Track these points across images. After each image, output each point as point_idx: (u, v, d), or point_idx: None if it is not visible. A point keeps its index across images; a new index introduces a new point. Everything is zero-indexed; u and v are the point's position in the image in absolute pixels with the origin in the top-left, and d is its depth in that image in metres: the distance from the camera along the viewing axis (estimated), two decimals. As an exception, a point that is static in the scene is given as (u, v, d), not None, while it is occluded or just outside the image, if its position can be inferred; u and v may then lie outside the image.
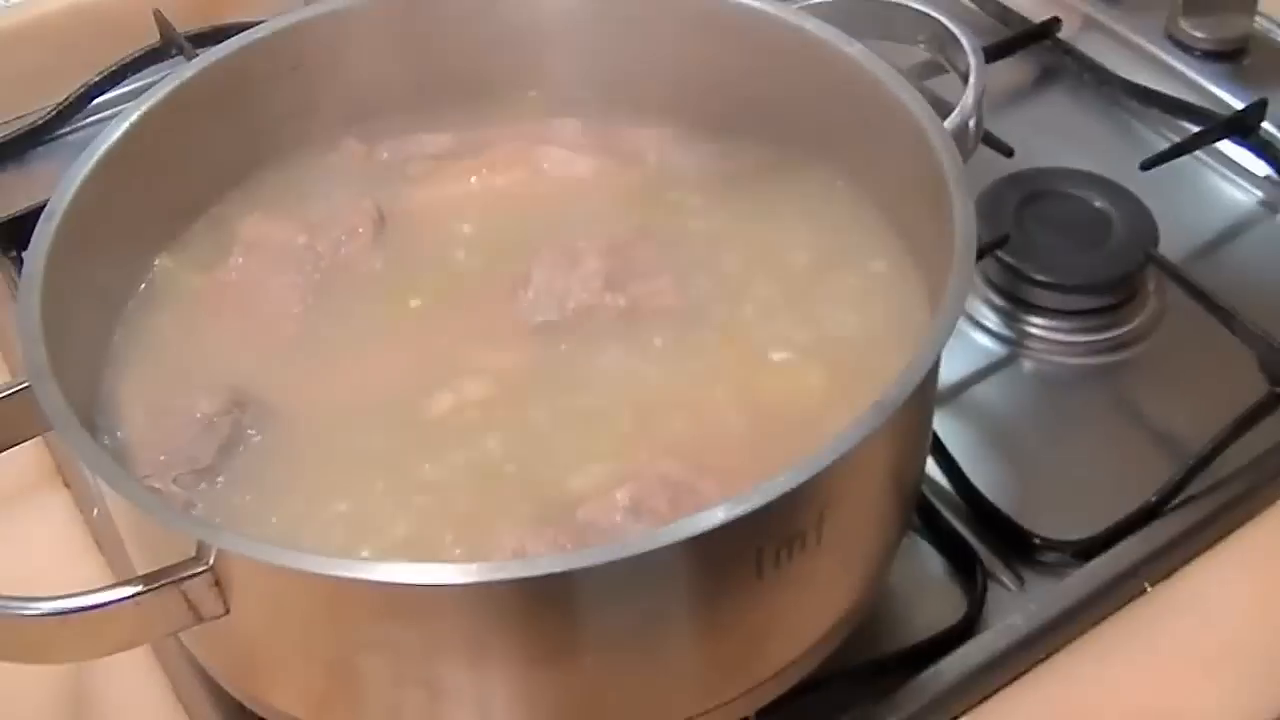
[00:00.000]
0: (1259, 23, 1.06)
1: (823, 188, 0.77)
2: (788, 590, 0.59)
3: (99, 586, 0.56)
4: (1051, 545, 0.75)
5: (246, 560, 0.54)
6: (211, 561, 0.55)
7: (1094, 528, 0.75)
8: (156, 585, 0.55)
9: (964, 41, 0.76)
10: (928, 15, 0.78)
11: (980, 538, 0.76)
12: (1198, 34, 1.04)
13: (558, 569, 0.53)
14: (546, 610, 0.55)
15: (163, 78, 0.75)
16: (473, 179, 0.79)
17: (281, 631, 0.59)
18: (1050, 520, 0.76)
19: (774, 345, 0.69)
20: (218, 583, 0.56)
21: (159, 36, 1.06)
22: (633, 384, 0.68)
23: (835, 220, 0.75)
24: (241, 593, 0.56)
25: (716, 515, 0.53)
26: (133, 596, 0.55)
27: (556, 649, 0.57)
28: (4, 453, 0.65)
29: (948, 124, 0.69)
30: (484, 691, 0.58)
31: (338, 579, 0.53)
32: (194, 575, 0.55)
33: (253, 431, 0.67)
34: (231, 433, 0.66)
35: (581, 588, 0.54)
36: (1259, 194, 0.97)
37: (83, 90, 1.05)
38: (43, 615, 0.55)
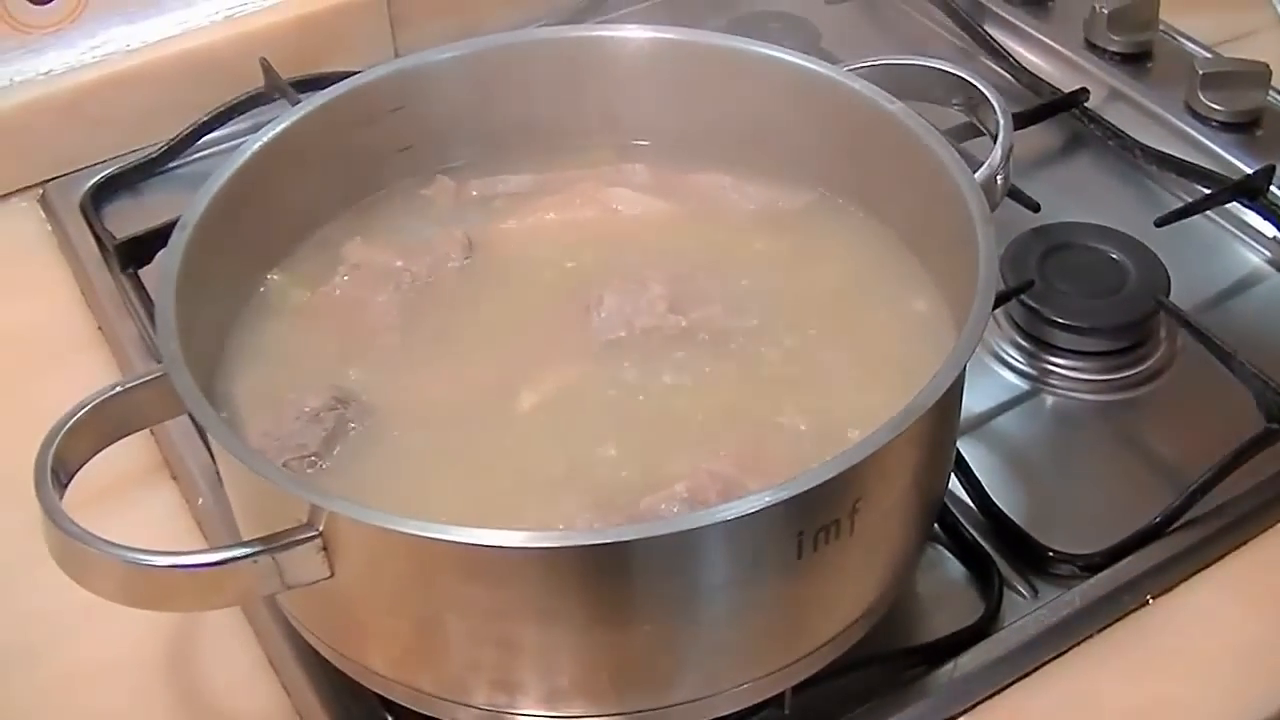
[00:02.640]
0: (1273, 97, 1.11)
1: (865, 231, 0.83)
2: (824, 573, 0.65)
3: (220, 546, 0.64)
4: (1063, 558, 0.80)
5: (354, 525, 0.61)
6: (321, 527, 0.62)
7: (1102, 544, 0.80)
8: (271, 547, 0.62)
9: (994, 103, 0.82)
10: (962, 79, 0.85)
11: (998, 550, 0.81)
12: (1215, 106, 1.09)
13: (625, 538, 0.60)
14: (611, 577, 0.62)
15: (279, 116, 0.82)
16: (551, 215, 0.85)
17: (378, 593, 0.65)
18: (1062, 536, 0.81)
19: (820, 368, 0.76)
20: (325, 548, 0.62)
21: (264, 82, 1.12)
22: (691, 395, 0.75)
23: (877, 261, 0.82)
24: (346, 557, 0.63)
25: (763, 498, 0.60)
26: (249, 556, 0.62)
27: (617, 613, 0.63)
28: (117, 446, 0.71)
29: (977, 176, 0.76)
30: (549, 649, 0.64)
31: (435, 541, 0.59)
32: (305, 540, 0.62)
33: (354, 425, 0.73)
34: (335, 426, 0.73)
35: (643, 559, 0.61)
36: (1265, 252, 1.02)
37: (192, 128, 1.10)
38: (167, 567, 0.63)
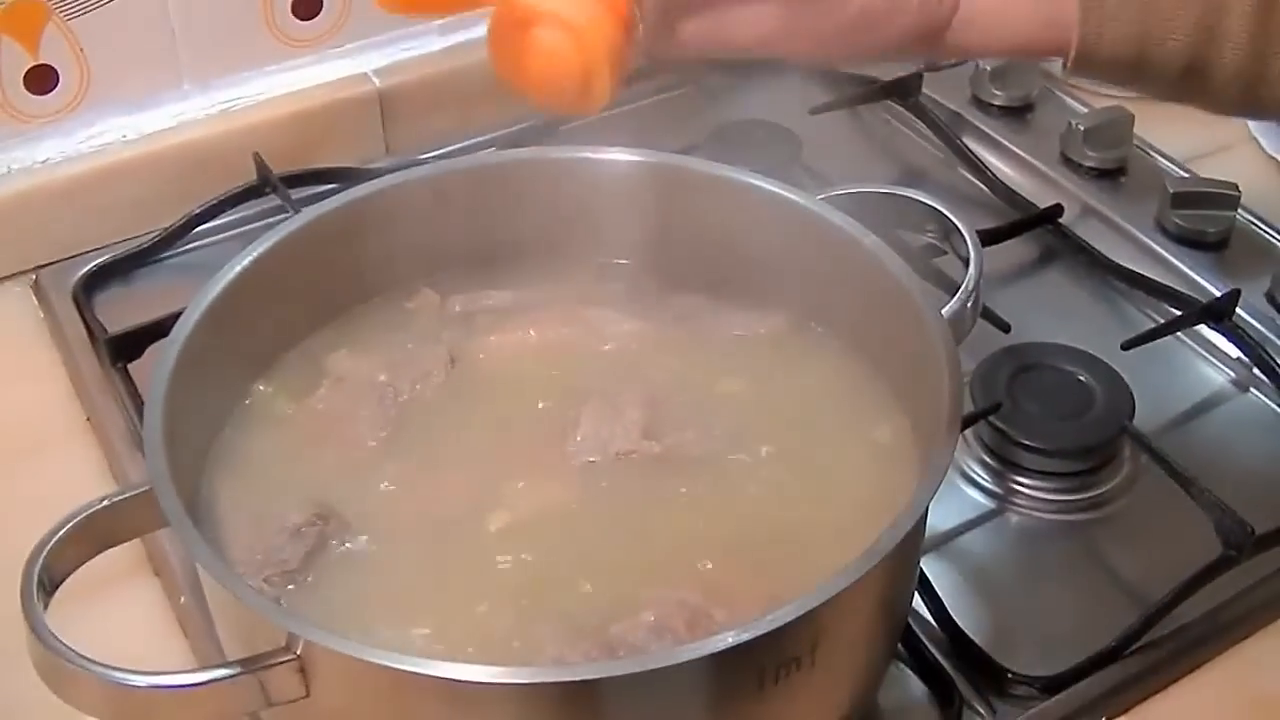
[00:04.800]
0: (1241, 216, 1.14)
1: (838, 357, 0.86)
2: (785, 704, 0.67)
3: (200, 667, 0.66)
4: (1022, 679, 0.82)
5: (329, 652, 0.63)
6: (299, 651, 0.64)
7: (1061, 665, 0.82)
8: (250, 669, 0.64)
9: (965, 234, 0.85)
10: (935, 209, 0.87)
11: (959, 670, 0.83)
12: (1185, 225, 1.12)
13: (592, 676, 0.63)
14: (579, 710, 0.64)
15: (267, 234, 0.83)
16: (532, 332, 0.87)
17: (353, 715, 0.67)
18: (1023, 657, 0.83)
19: (786, 496, 0.78)
20: (302, 669, 0.64)
21: (256, 176, 1.13)
22: (661, 520, 0.77)
23: (850, 388, 0.84)
24: (322, 679, 0.64)
25: (726, 639, 0.62)
26: (229, 677, 0.64)
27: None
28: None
29: (947, 309, 0.79)
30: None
31: (406, 673, 0.61)
32: (283, 662, 0.64)
33: (335, 541, 0.75)
34: (317, 541, 0.75)
35: (609, 692, 0.63)
36: (1230, 374, 1.04)
37: (185, 220, 1.12)
38: (149, 688, 0.64)
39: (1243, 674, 0.85)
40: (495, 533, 0.77)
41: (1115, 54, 0.74)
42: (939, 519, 0.92)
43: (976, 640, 0.84)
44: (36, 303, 1.12)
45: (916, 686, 0.83)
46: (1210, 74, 0.74)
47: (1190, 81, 0.74)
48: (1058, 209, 1.15)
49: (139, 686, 0.64)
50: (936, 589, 0.86)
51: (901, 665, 0.84)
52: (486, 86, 1.19)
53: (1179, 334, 1.05)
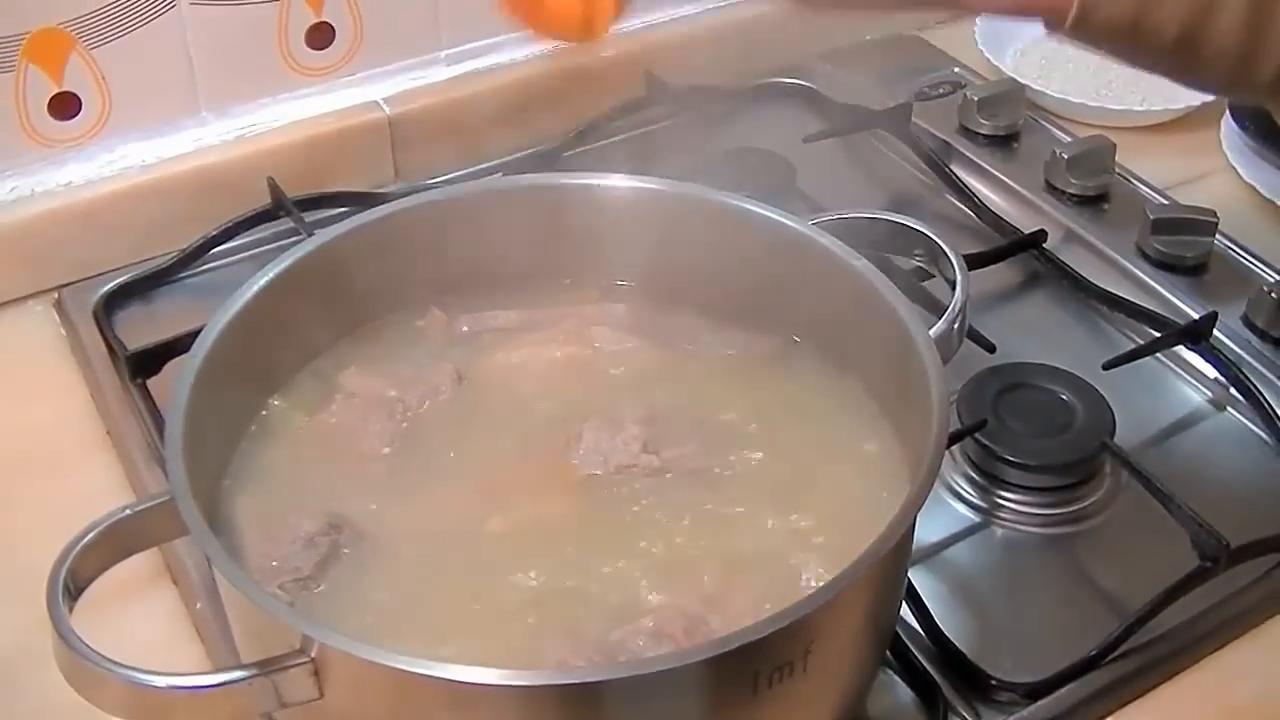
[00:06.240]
0: (1219, 241, 1.17)
1: (827, 376, 0.89)
2: (777, 708, 0.70)
3: (217, 669, 0.69)
4: (1005, 686, 0.85)
5: (343, 654, 0.66)
6: (313, 654, 0.67)
7: (1043, 673, 0.85)
8: (267, 671, 0.67)
9: (952, 259, 0.88)
10: (923, 234, 0.91)
11: (945, 676, 0.85)
12: (1164, 250, 1.15)
13: (594, 679, 0.66)
14: (581, 712, 0.67)
15: (283, 255, 0.87)
16: (536, 350, 0.91)
17: (364, 715, 0.70)
18: (1006, 664, 0.86)
19: (780, 508, 0.81)
20: (316, 672, 0.67)
21: (270, 199, 1.17)
22: (660, 531, 0.80)
23: (837, 406, 0.87)
24: (335, 681, 0.68)
25: (722, 644, 0.65)
26: (247, 679, 0.67)
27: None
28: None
29: (934, 330, 0.82)
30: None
31: (416, 675, 0.65)
32: (298, 664, 0.67)
33: (346, 550, 0.79)
34: (329, 551, 0.78)
35: (609, 694, 0.66)
36: (1207, 393, 1.07)
37: (202, 241, 1.15)
38: (168, 688, 0.68)
39: (1218, 682, 0.88)
40: (500, 542, 0.80)
41: (1114, 15, 0.74)
42: (926, 532, 0.95)
43: (962, 648, 0.87)
44: (59, 321, 1.14)
45: (904, 692, 0.86)
46: (1204, 43, 0.74)
47: (1183, 51, 0.75)
48: (1042, 234, 1.18)
49: (158, 687, 0.67)
50: (924, 599, 0.89)
51: (890, 672, 0.86)
52: (493, 115, 1.25)
53: (1158, 355, 1.08)
